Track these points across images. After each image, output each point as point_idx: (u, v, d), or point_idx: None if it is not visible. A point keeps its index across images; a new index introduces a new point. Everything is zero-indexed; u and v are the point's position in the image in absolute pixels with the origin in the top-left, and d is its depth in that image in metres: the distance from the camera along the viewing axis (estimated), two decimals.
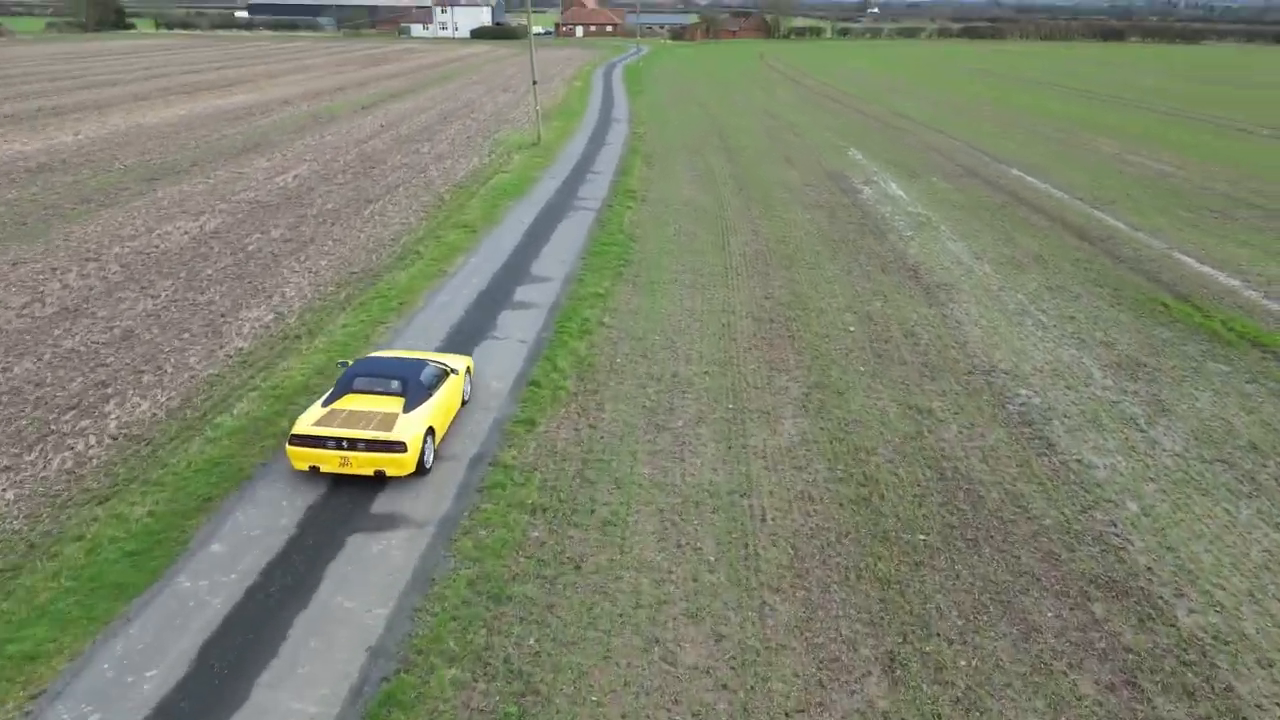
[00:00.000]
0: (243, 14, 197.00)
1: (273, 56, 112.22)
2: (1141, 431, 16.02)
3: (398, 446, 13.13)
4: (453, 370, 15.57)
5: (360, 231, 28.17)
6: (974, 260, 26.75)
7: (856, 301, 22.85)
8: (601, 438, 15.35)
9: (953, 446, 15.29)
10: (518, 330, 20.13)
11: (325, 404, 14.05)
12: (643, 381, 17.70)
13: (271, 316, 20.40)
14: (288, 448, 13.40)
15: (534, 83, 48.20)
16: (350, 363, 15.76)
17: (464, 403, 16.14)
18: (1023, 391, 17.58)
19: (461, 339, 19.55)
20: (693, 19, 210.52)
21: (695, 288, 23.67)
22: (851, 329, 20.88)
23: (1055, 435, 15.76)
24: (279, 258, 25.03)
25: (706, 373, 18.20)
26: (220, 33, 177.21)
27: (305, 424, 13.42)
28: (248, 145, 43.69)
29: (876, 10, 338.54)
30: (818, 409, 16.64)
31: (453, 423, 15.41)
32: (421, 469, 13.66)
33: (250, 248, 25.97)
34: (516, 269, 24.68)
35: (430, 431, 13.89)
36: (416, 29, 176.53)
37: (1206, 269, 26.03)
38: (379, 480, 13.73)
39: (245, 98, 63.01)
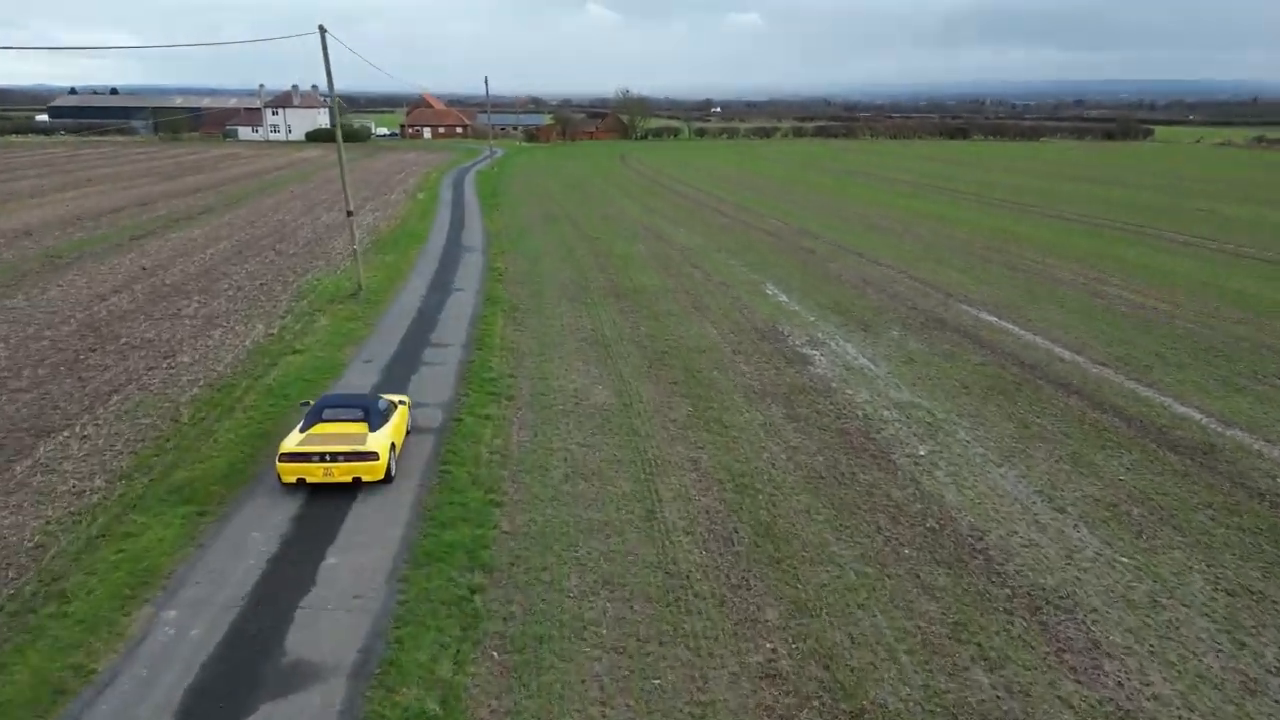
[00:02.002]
0: (44, 118, 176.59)
1: (59, 167, 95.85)
2: None
3: (371, 456, 16.35)
4: (401, 401, 19.49)
5: None
6: (1056, 515, 16.39)
7: (939, 674, 11.76)
8: None
9: None
10: None
11: (302, 430, 17.05)
12: None
13: None
14: (278, 464, 16.25)
15: (349, 213, 36.01)
16: (312, 402, 18.76)
17: (409, 431, 19.32)
18: None
19: None
20: (547, 119, 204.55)
21: (627, 651, 12.15)
22: None
23: None
24: None
25: None
26: (14, 138, 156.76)
27: (291, 444, 16.45)
28: None
29: (719, 110, 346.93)
30: None
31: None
32: (389, 476, 16.89)
33: None
34: (263, 639, 12.29)
35: (392, 446, 17.25)
36: (245, 132, 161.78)
37: None
38: (356, 486, 16.62)
39: None
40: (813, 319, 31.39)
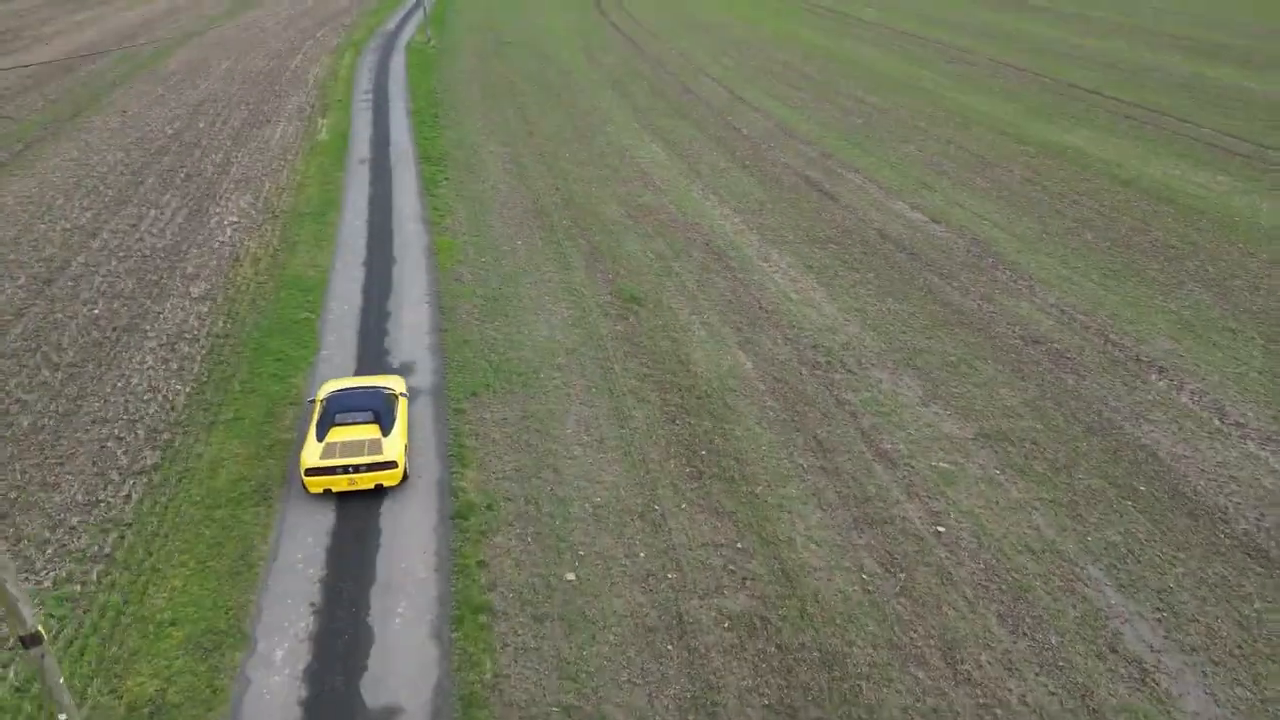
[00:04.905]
0: None
1: None
2: None
3: (390, 465, 17.40)
4: (403, 394, 19.95)
5: None
6: None
7: None
8: None
9: None
10: None
11: (320, 439, 17.69)
12: None
13: None
14: (304, 478, 17.27)
15: (25, 641, 12.15)
16: (319, 398, 19.10)
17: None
18: None
19: None
20: None
21: None
22: None
23: None
24: None
25: None
26: None
27: (313, 459, 17.25)
28: None
29: None
30: None
31: None
32: (406, 477, 18.13)
33: None
34: None
35: (405, 447, 18.32)
36: None
37: None
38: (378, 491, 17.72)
39: None
40: None
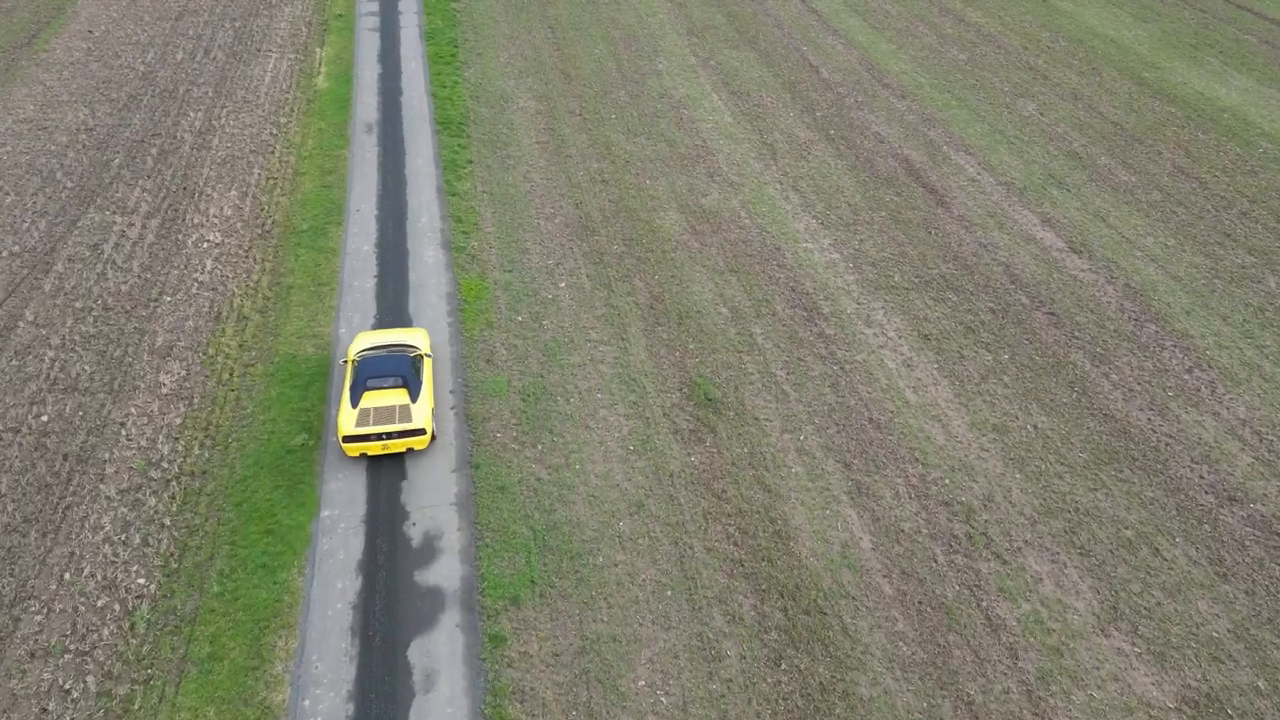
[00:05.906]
0: None
1: None
2: None
3: (419, 432, 18.86)
4: (428, 354, 20.89)
5: None
6: None
7: None
8: None
9: None
10: None
11: (354, 405, 19.02)
12: None
13: None
14: (342, 444, 18.72)
15: None
16: (351, 358, 20.48)
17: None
18: None
19: None
20: None
21: None
22: None
23: None
24: None
25: None
26: None
27: (349, 427, 18.58)
28: None
29: None
30: None
31: None
32: (434, 438, 19.70)
33: None
34: None
35: (431, 410, 19.80)
36: None
37: None
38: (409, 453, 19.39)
39: None
40: None
